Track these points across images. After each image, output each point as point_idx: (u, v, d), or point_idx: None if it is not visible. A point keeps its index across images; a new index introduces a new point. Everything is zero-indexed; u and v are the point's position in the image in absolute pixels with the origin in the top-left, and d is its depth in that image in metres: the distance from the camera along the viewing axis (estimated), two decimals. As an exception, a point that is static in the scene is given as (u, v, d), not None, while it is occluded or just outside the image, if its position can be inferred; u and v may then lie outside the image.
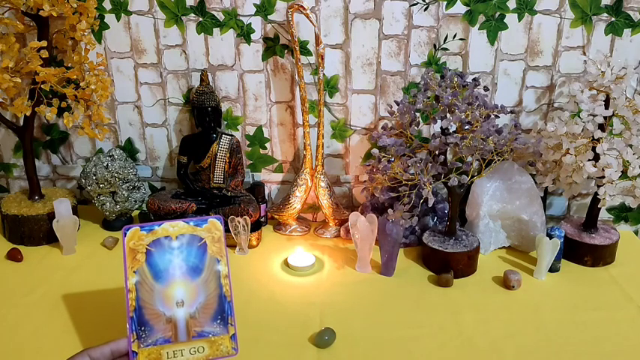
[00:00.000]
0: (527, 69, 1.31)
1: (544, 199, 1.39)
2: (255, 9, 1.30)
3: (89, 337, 0.95)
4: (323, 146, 1.35)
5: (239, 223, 1.24)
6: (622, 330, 0.99)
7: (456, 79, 1.15)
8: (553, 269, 1.18)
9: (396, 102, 1.22)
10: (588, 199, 1.31)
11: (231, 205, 1.33)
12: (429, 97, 1.17)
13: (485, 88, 1.22)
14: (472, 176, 1.11)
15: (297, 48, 1.27)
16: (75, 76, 1.22)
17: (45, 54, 1.15)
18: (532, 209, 1.24)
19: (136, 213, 1.46)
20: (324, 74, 1.32)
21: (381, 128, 1.25)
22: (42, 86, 1.18)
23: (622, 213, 1.42)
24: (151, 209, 1.31)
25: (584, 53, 1.28)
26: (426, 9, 1.27)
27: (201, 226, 0.65)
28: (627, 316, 1.03)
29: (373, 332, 0.97)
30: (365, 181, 1.25)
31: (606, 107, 1.15)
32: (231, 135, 1.39)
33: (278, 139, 1.44)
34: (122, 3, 1.32)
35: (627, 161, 1.13)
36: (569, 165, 1.17)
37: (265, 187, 1.45)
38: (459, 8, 1.26)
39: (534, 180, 1.27)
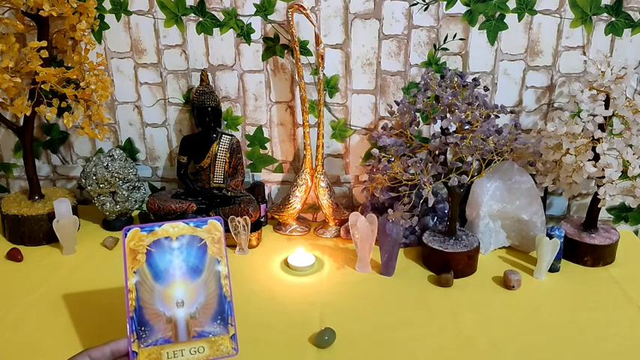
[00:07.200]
0: (527, 69, 1.31)
1: (544, 199, 1.39)
2: (255, 9, 1.30)
3: (89, 337, 0.95)
4: (323, 146, 1.35)
5: (239, 223, 1.24)
6: (622, 330, 0.99)
7: (456, 79, 1.15)
8: (553, 269, 1.18)
9: (396, 102, 1.22)
10: (588, 199, 1.31)
11: (231, 205, 1.33)
12: (429, 97, 1.17)
13: (485, 88, 1.22)
14: (472, 176, 1.11)
15: (297, 48, 1.27)
16: (75, 76, 1.22)
17: (45, 54, 1.15)
18: (532, 209, 1.24)
19: (136, 213, 1.46)
20: (324, 74, 1.32)
21: (381, 128, 1.25)
22: (42, 86, 1.18)
23: (622, 213, 1.42)
24: (151, 209, 1.31)
25: (584, 53, 1.28)
26: (426, 9, 1.27)
27: (202, 227, 0.65)
28: (627, 316, 1.03)
29: (373, 332, 0.97)
30: (365, 181, 1.25)
31: (606, 107, 1.15)
32: (231, 135, 1.39)
33: (278, 139, 1.44)
34: (122, 3, 1.32)
35: (627, 161, 1.13)
36: (569, 165, 1.17)
37: (265, 187, 1.45)
38: (459, 8, 1.26)
39: (534, 180, 1.27)
